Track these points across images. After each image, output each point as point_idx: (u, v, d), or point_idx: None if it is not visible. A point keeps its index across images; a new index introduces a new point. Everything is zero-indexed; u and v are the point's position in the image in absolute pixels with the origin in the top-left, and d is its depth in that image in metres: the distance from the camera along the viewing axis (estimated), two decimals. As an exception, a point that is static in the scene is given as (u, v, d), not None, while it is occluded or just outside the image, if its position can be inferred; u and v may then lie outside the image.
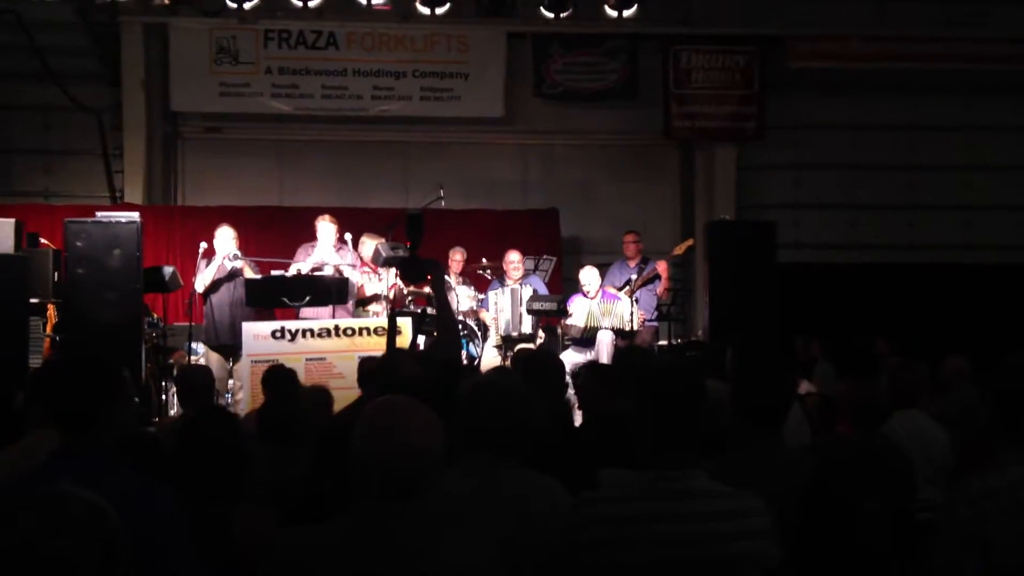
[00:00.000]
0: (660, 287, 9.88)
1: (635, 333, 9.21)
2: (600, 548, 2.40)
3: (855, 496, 2.93)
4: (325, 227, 9.10)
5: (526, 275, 9.87)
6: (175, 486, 3.01)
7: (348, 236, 9.19)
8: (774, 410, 3.25)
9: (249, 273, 8.78)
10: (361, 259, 9.27)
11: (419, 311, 8.79)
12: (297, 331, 8.03)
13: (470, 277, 10.02)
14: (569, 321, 9.39)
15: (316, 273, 8.86)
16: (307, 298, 8.40)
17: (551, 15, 11.16)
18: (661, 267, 9.87)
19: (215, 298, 8.80)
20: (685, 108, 12.39)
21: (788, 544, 2.69)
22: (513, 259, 9.72)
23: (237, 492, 3.20)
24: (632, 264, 10.05)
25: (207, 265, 8.80)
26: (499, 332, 9.43)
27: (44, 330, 8.42)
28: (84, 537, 1.58)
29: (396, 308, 8.71)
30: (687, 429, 2.50)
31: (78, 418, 2.51)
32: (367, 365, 5.60)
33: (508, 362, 7.98)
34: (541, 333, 9.60)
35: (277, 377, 5.75)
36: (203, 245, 8.91)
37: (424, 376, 4.58)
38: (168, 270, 8.69)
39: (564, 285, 10.98)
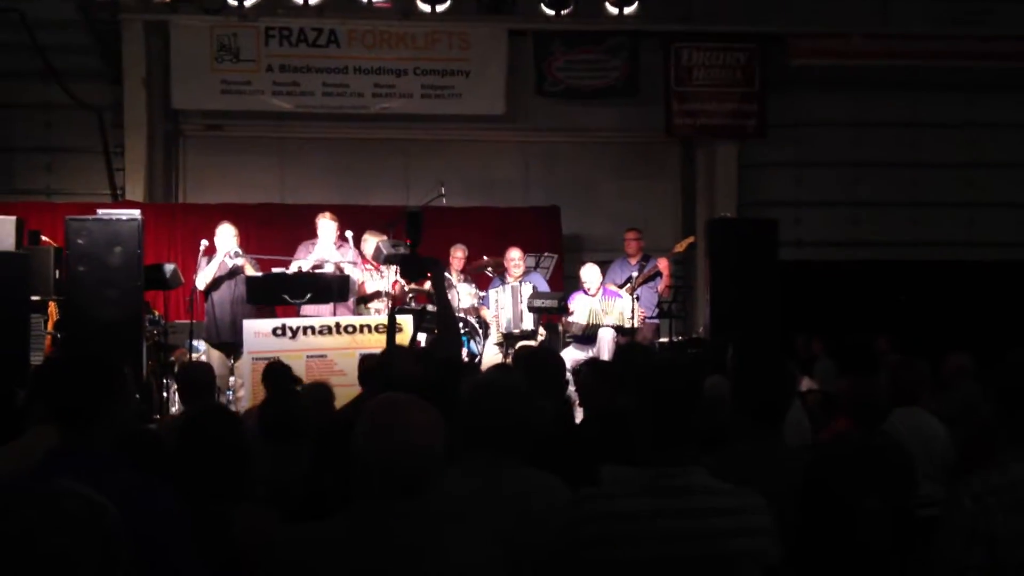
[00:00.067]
0: (661, 284, 9.88)
1: (636, 330, 9.20)
2: (600, 545, 2.40)
3: (855, 493, 2.93)
4: (326, 225, 9.11)
5: (527, 272, 9.87)
6: (176, 484, 3.00)
7: (349, 234, 9.19)
8: (774, 407, 3.25)
9: (250, 271, 8.78)
10: (363, 256, 9.28)
11: (419, 308, 8.79)
12: (298, 328, 8.04)
13: (471, 275, 10.02)
14: (570, 318, 9.39)
15: (317, 271, 8.86)
16: (308, 295, 8.41)
17: (552, 12, 11.15)
18: (662, 264, 9.87)
19: (216, 295, 8.80)
20: (686, 105, 12.38)
21: (788, 541, 2.68)
22: (514, 256, 9.72)
23: (238, 490, 3.20)
24: (633, 261, 10.04)
25: (208, 263, 8.80)
26: (500, 329, 9.43)
27: (45, 328, 8.43)
28: (83, 534, 1.58)
29: (397, 305, 8.71)
30: (688, 426, 2.50)
31: (77, 415, 2.51)
32: (367, 362, 5.60)
33: (509, 360, 7.97)
34: (542, 330, 9.60)
35: (276, 374, 5.77)
36: (204, 243, 8.91)
37: (423, 374, 4.58)
38: (169, 267, 8.69)
39: (565, 283, 10.97)
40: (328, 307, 8.55)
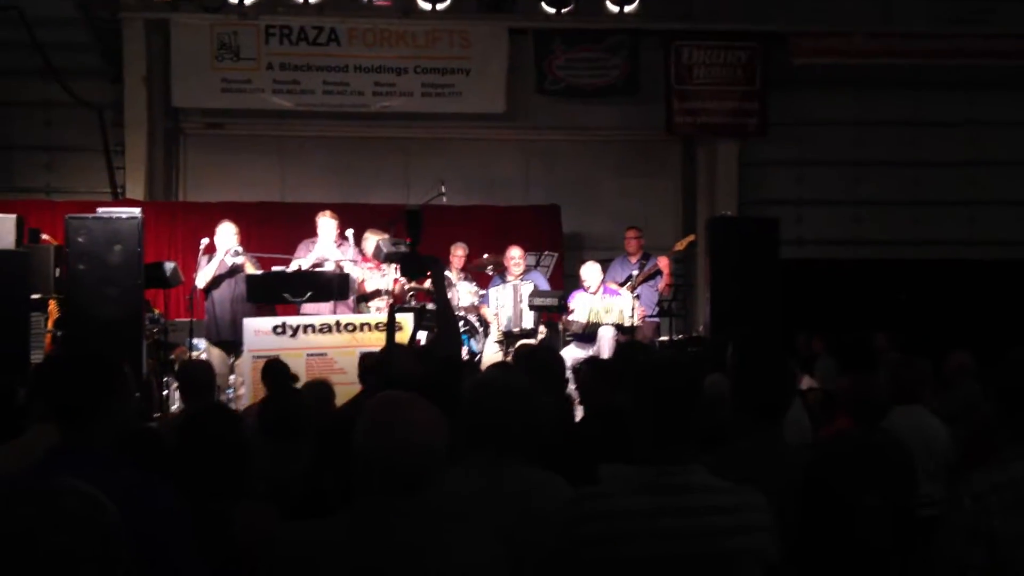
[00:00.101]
0: (662, 283, 9.88)
1: (636, 329, 9.20)
2: (600, 543, 2.40)
3: (855, 491, 2.93)
4: (326, 223, 9.11)
5: (527, 271, 9.87)
6: (176, 482, 3.00)
7: (350, 232, 9.19)
8: (774, 405, 3.25)
9: (250, 269, 8.78)
10: (363, 255, 9.28)
11: (419, 307, 8.79)
12: (298, 327, 8.04)
13: (471, 273, 10.02)
14: (571, 317, 9.38)
15: (317, 269, 8.86)
16: (308, 294, 8.41)
17: (553, 11, 11.15)
18: (663, 263, 9.86)
19: (216, 294, 8.80)
20: (687, 104, 12.37)
21: (788, 539, 2.68)
22: (514, 255, 9.72)
23: (238, 488, 3.20)
24: (634, 260, 10.04)
25: (208, 261, 8.80)
26: (500, 328, 9.43)
27: (45, 326, 8.42)
28: (83, 531, 1.57)
29: (397, 304, 8.71)
30: (688, 424, 2.50)
31: (78, 413, 2.50)
32: (367, 360, 5.61)
33: (509, 358, 7.97)
34: (542, 329, 9.60)
35: (274, 371, 5.78)
36: (204, 241, 8.91)
37: (423, 372, 4.59)
38: (169, 266, 8.69)
39: (566, 281, 10.98)
40: (328, 305, 8.55)
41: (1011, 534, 2.38)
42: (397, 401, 2.25)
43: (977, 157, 12.84)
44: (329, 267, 8.89)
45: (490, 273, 10.06)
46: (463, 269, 9.88)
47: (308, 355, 7.88)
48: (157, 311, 8.92)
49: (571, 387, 6.41)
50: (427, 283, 8.74)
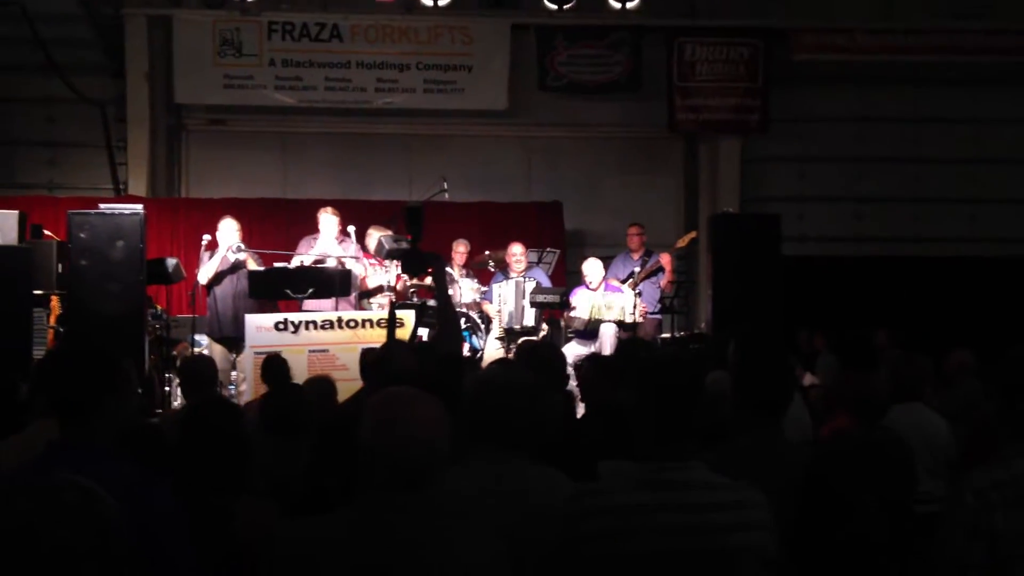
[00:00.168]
0: (664, 280, 9.88)
1: (637, 326, 9.20)
2: (600, 539, 2.40)
3: (854, 489, 2.93)
4: (327, 219, 9.11)
5: (529, 268, 9.87)
6: (177, 477, 3.01)
7: (351, 229, 9.19)
8: (775, 402, 3.25)
9: (252, 265, 8.79)
10: (366, 251, 9.28)
11: (420, 303, 8.79)
12: (300, 323, 8.04)
13: (473, 270, 10.02)
14: (573, 313, 9.38)
15: (319, 265, 8.86)
16: (310, 290, 8.41)
17: (555, 7, 11.15)
18: (665, 260, 9.87)
19: (218, 290, 8.80)
20: (689, 101, 12.36)
21: (788, 537, 2.68)
22: (516, 252, 9.72)
23: (239, 482, 3.20)
24: (635, 257, 10.05)
25: (210, 257, 8.80)
26: (502, 324, 9.43)
27: (48, 321, 8.43)
28: (83, 526, 1.58)
29: (399, 300, 8.72)
30: (689, 421, 2.50)
31: (78, 409, 2.50)
32: (368, 356, 5.61)
33: (511, 355, 7.97)
34: (544, 326, 9.60)
35: (274, 368, 5.78)
36: (206, 237, 8.91)
37: (421, 368, 4.59)
38: (171, 262, 8.70)
39: (568, 278, 10.97)
40: (330, 302, 8.56)
41: (1012, 531, 2.38)
42: (401, 397, 2.25)
43: (978, 154, 12.82)
44: (331, 263, 8.89)
45: (492, 269, 10.06)
46: (465, 265, 9.88)
47: (310, 351, 7.88)
48: (159, 307, 8.92)
49: (572, 384, 6.42)
50: (428, 280, 8.75)
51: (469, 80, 12.18)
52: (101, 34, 11.94)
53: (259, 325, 8.06)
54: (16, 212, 8.55)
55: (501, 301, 9.49)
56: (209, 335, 8.90)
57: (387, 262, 8.95)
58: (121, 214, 7.89)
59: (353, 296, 8.89)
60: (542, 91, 12.35)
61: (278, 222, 10.96)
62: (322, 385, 5.22)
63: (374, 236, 9.17)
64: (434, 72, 12.17)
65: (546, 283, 9.74)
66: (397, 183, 12.23)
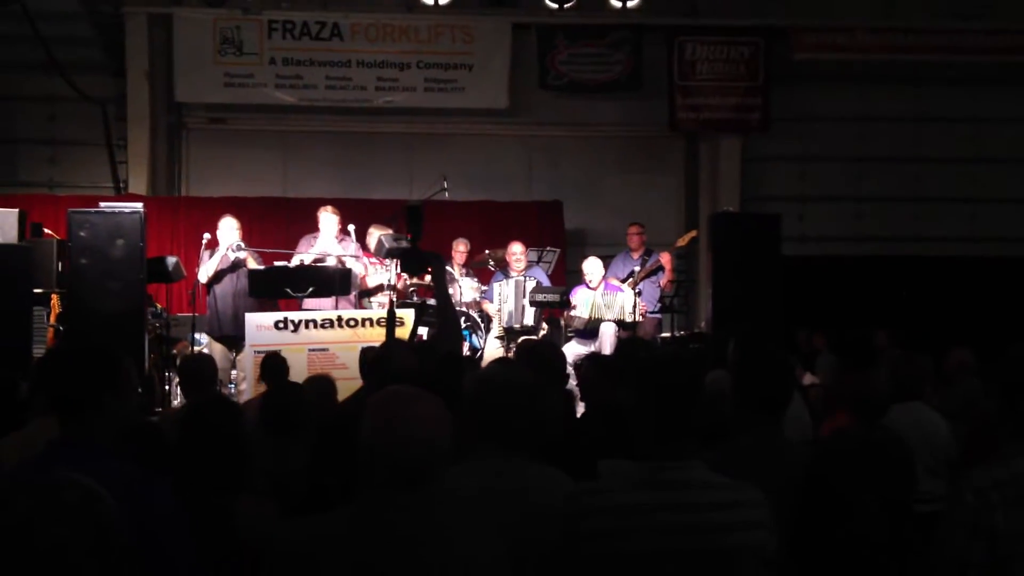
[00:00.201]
0: (664, 279, 9.88)
1: (637, 325, 9.20)
2: (600, 538, 2.40)
3: (854, 488, 2.93)
4: (327, 218, 9.10)
5: (529, 267, 9.87)
6: (177, 476, 3.01)
7: (352, 227, 9.19)
8: (775, 401, 3.25)
9: (252, 264, 8.79)
10: (366, 250, 9.28)
11: (420, 302, 8.79)
12: (300, 322, 8.04)
13: (473, 269, 10.02)
14: (573, 313, 9.38)
15: (319, 264, 8.86)
16: (310, 289, 8.40)
17: (556, 6, 11.15)
18: (665, 259, 9.86)
19: (218, 289, 8.80)
20: (690, 100, 12.36)
21: (788, 536, 2.68)
22: (516, 251, 9.72)
23: (239, 481, 3.20)
24: (636, 256, 10.05)
25: (210, 256, 8.80)
26: (502, 324, 9.43)
27: (48, 320, 8.44)
28: (81, 524, 1.58)
29: (399, 299, 8.71)
30: (688, 420, 2.50)
31: (78, 407, 2.50)
32: (368, 354, 5.61)
33: (511, 354, 7.97)
34: (544, 325, 9.60)
35: (271, 366, 5.78)
36: (206, 236, 8.91)
37: (421, 367, 4.59)
38: (171, 260, 8.70)
39: (568, 277, 10.97)
40: (330, 300, 8.56)
41: (1012, 530, 2.38)
42: (401, 396, 2.25)
43: (979, 153, 12.83)
44: (331, 262, 8.89)
45: (492, 268, 10.06)
46: (465, 264, 9.88)
47: (310, 350, 7.88)
48: (159, 306, 8.92)
49: (572, 383, 6.42)
50: (428, 279, 8.75)
51: (470, 79, 12.18)
52: (102, 32, 11.95)
53: (259, 324, 8.06)
54: (16, 210, 8.54)
55: (501, 300, 9.49)
56: (209, 334, 8.90)
57: (387, 261, 8.95)
58: (121, 213, 7.89)
59: (353, 295, 8.89)
60: (543, 90, 12.36)
61: (278, 221, 10.96)
62: (322, 384, 5.23)
63: (374, 235, 9.17)
64: (435, 71, 12.17)
65: (546, 282, 9.74)
66: (397, 182, 12.23)
